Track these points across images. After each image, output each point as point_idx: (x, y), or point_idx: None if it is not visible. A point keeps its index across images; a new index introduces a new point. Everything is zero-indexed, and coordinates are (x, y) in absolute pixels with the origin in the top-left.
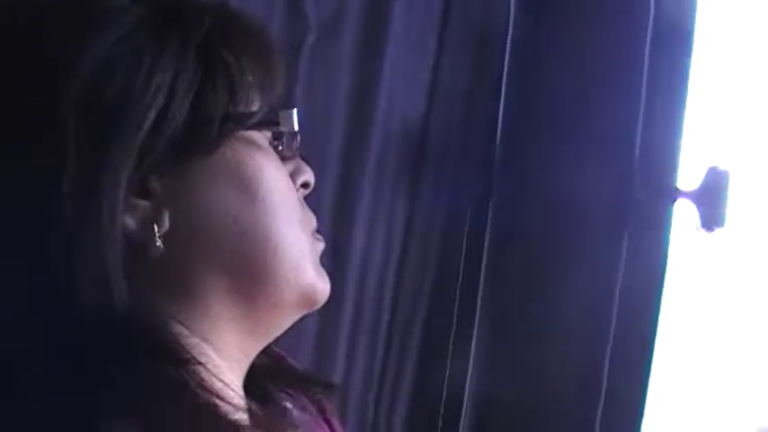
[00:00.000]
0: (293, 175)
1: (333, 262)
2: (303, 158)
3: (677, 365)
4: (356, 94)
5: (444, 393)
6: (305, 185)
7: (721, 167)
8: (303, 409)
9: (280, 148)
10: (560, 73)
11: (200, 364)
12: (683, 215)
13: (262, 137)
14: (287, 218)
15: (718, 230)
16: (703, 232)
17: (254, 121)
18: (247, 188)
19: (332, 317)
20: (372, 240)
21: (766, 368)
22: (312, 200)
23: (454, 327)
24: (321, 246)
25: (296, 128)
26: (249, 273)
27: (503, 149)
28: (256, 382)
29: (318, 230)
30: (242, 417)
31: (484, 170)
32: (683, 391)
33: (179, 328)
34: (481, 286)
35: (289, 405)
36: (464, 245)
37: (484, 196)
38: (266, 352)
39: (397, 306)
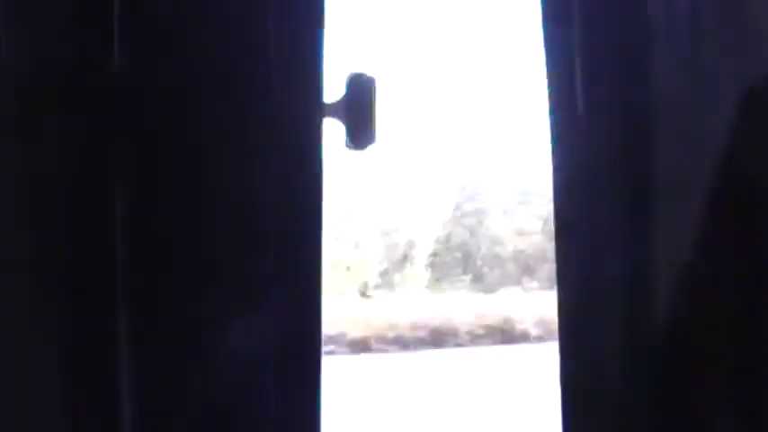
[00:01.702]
0: None
1: None
2: None
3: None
4: None
5: None
6: None
7: (366, 75)
8: None
9: None
10: None
11: None
12: (333, 133)
13: None
14: None
15: (369, 147)
16: (353, 150)
17: None
18: None
19: None
20: None
21: None
22: None
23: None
24: None
25: None
26: None
27: (122, 86)
28: None
29: None
30: None
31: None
32: None
33: None
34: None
35: None
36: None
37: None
38: None
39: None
